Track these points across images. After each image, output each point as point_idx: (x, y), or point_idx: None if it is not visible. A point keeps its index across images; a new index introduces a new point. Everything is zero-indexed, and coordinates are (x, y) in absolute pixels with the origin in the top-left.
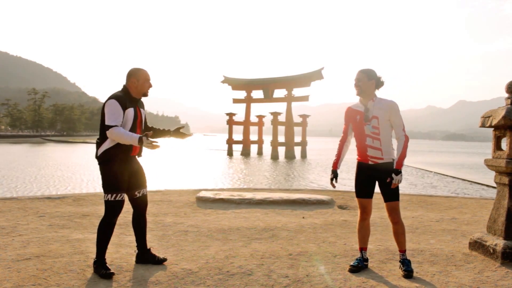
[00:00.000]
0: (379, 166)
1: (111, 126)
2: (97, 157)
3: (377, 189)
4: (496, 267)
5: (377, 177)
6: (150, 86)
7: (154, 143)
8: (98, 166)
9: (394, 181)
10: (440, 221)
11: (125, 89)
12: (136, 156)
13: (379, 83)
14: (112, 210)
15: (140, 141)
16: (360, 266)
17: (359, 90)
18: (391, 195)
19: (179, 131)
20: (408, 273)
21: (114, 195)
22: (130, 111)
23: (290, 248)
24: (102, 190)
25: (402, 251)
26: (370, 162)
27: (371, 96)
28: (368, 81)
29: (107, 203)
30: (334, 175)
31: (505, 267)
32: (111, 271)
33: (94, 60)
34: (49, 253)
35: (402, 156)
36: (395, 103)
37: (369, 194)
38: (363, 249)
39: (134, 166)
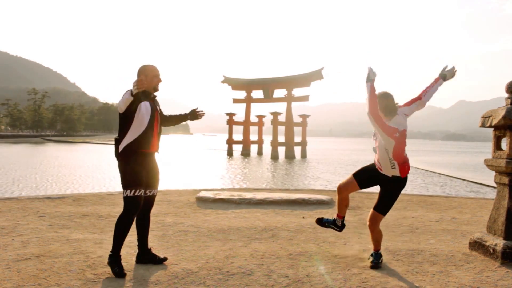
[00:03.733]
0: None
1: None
2: (117, 154)
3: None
4: (496, 267)
5: (381, 182)
6: (160, 81)
7: (139, 85)
8: (117, 164)
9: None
10: (440, 221)
11: None
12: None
13: (387, 109)
14: (131, 206)
15: (132, 94)
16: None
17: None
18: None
19: (195, 112)
20: (374, 265)
21: (134, 190)
22: (146, 105)
23: (290, 248)
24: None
25: (376, 250)
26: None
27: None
28: (382, 108)
29: (127, 199)
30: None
31: (505, 267)
32: (124, 271)
33: (94, 60)
34: (49, 253)
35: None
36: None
37: (362, 181)
38: (338, 216)
39: (151, 164)
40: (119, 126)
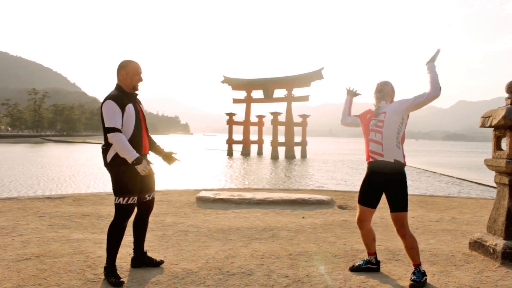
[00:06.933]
0: (379, 164)
1: (113, 129)
2: (106, 164)
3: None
4: (496, 267)
5: (382, 185)
6: (140, 80)
7: (148, 170)
8: (107, 170)
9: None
10: (440, 221)
11: (119, 86)
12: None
13: (393, 97)
14: (124, 213)
15: (137, 162)
16: (362, 268)
17: (381, 95)
18: (396, 204)
19: (171, 155)
20: (415, 284)
21: (127, 198)
22: (130, 107)
23: (290, 248)
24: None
25: (415, 265)
26: (371, 159)
27: (387, 100)
28: (391, 93)
29: (119, 206)
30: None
31: (505, 267)
32: (122, 279)
33: (94, 60)
34: (49, 253)
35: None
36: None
37: (369, 202)
38: (369, 254)
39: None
40: (104, 135)
